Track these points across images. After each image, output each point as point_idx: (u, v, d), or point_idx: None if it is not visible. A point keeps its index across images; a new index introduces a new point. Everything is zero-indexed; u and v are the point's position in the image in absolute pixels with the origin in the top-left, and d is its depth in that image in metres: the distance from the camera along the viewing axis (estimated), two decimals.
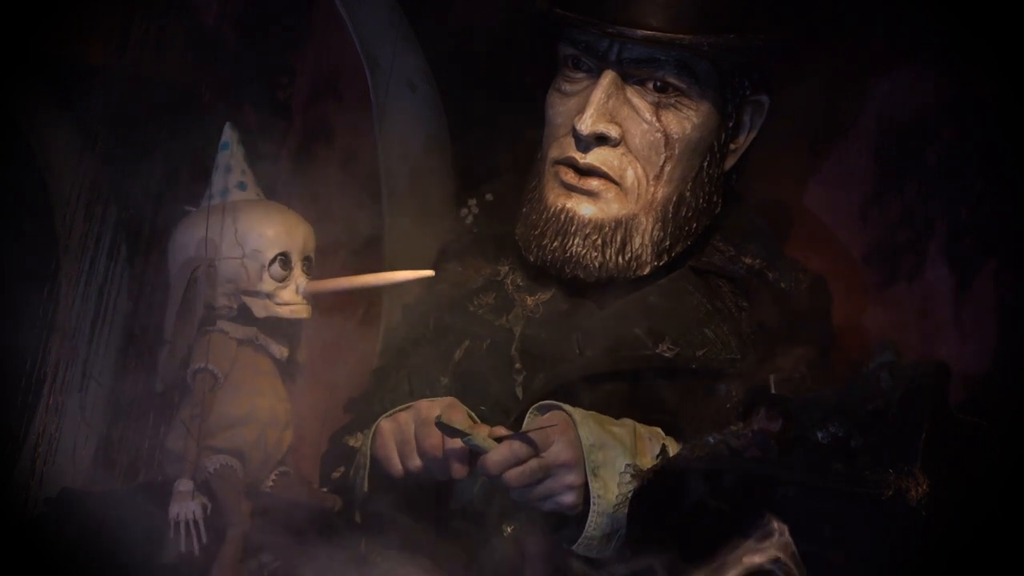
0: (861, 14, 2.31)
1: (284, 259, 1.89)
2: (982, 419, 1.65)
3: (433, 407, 1.89)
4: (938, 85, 2.26)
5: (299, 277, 1.91)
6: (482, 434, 1.84)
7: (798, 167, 2.39)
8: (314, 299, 1.94)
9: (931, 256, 2.25)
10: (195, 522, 1.74)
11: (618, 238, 2.05)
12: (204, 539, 1.74)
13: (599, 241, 2.05)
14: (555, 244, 2.06)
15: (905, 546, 1.54)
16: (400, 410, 1.95)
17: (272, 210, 1.93)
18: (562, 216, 2.06)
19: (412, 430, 1.89)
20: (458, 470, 1.88)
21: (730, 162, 2.12)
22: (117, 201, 2.32)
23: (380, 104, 2.49)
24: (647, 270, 2.07)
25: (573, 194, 2.06)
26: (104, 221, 2.31)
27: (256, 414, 1.85)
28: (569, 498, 1.84)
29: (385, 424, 1.93)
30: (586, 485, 1.84)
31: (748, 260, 2.11)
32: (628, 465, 1.81)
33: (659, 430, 1.91)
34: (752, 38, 2.03)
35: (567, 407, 1.87)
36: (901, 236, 2.29)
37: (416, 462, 1.89)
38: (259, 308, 1.87)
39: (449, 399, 1.93)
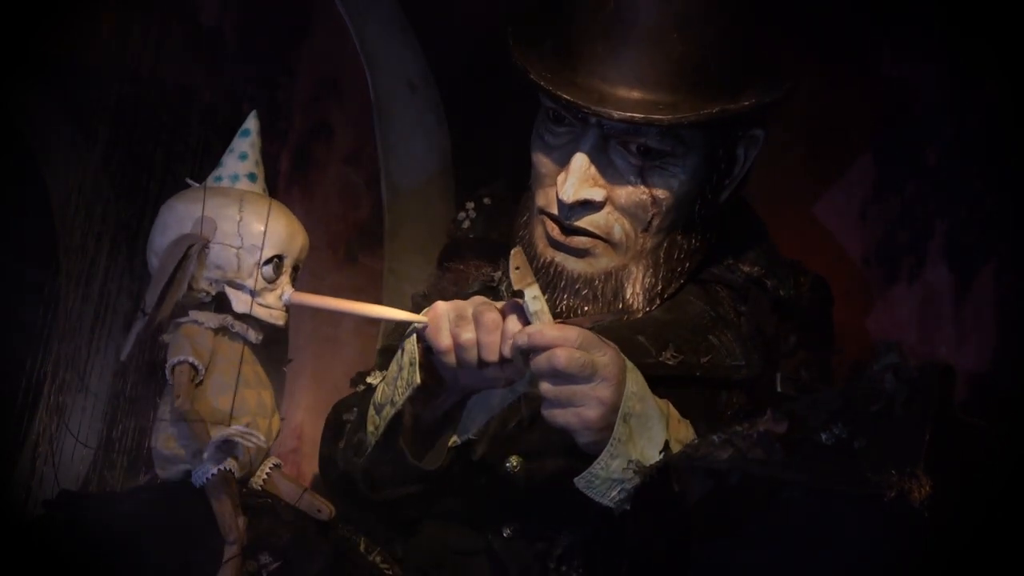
0: (861, 14, 2.32)
1: (279, 262, 1.87)
2: (983, 420, 1.65)
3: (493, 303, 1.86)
4: (938, 85, 2.26)
5: (286, 284, 1.89)
6: (544, 307, 1.81)
7: (798, 167, 2.39)
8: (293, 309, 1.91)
9: (931, 256, 2.25)
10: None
11: (609, 290, 2.02)
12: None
13: (590, 295, 2.02)
14: (545, 298, 2.04)
15: (907, 547, 1.54)
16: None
17: (279, 211, 1.89)
18: (551, 269, 2.03)
19: (470, 310, 1.84)
20: (510, 348, 1.81)
21: (724, 195, 2.07)
22: (117, 201, 2.32)
23: (380, 104, 2.49)
24: (639, 316, 2.04)
25: (560, 251, 2.02)
26: (104, 221, 2.31)
27: (245, 405, 1.83)
28: (593, 412, 1.77)
29: (441, 304, 1.87)
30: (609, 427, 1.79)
31: (746, 268, 2.09)
32: (631, 461, 1.79)
33: (690, 423, 1.88)
34: (740, 104, 1.96)
35: (622, 355, 1.83)
36: (901, 236, 2.30)
37: (470, 334, 1.82)
38: (240, 303, 1.84)
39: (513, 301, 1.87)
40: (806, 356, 2.07)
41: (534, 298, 1.82)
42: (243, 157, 1.91)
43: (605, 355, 1.78)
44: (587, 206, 1.99)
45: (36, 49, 2.28)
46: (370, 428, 1.97)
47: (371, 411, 1.97)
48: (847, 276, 2.30)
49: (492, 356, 1.83)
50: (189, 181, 1.92)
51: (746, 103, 1.97)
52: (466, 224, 2.20)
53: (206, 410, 1.80)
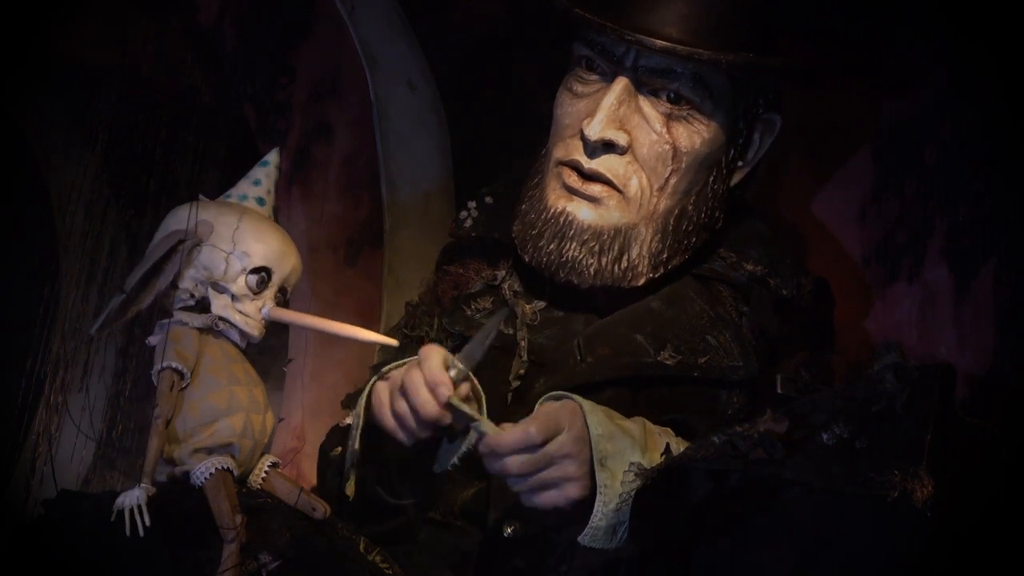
0: (861, 14, 2.31)
1: (266, 275, 1.89)
2: (983, 419, 1.65)
3: (420, 352, 1.86)
4: (938, 85, 2.26)
5: (269, 299, 1.90)
6: (488, 422, 1.82)
7: (798, 167, 2.39)
8: (271, 324, 1.92)
9: (931, 256, 2.25)
10: (138, 507, 1.72)
11: (616, 246, 2.03)
12: (148, 522, 1.72)
13: (596, 248, 2.03)
14: (551, 247, 2.04)
15: (910, 547, 1.54)
16: (393, 367, 1.92)
17: (277, 230, 1.93)
18: (561, 219, 2.04)
19: (399, 380, 1.86)
20: (435, 408, 1.81)
21: (736, 178, 2.11)
22: (117, 201, 2.33)
23: (380, 104, 2.49)
24: (642, 281, 2.05)
25: (574, 197, 2.04)
26: (104, 221, 2.32)
27: (238, 402, 1.83)
28: (573, 490, 1.80)
29: (380, 383, 1.92)
30: (591, 477, 1.80)
31: (750, 266, 2.10)
32: (632, 464, 1.80)
33: (670, 430, 1.90)
34: (771, 59, 2.03)
35: (578, 397, 1.85)
36: (901, 236, 2.29)
37: (401, 404, 1.85)
38: (219, 305, 1.86)
39: (430, 346, 1.88)
40: (806, 357, 2.07)
41: (480, 426, 1.82)
42: (256, 183, 1.96)
43: (559, 434, 1.79)
44: (609, 149, 2.01)
45: (37, 50, 2.29)
46: (346, 466, 2.00)
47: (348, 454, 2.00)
48: (847, 276, 2.29)
49: (425, 415, 1.83)
50: (201, 198, 1.93)
51: (778, 59, 2.03)
52: (468, 223, 2.20)
53: (198, 412, 1.81)
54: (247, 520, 1.77)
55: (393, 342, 1.94)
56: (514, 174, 2.18)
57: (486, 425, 1.81)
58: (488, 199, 2.21)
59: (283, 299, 1.93)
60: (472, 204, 2.21)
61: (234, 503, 1.77)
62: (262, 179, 1.96)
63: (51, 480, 2.09)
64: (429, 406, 1.81)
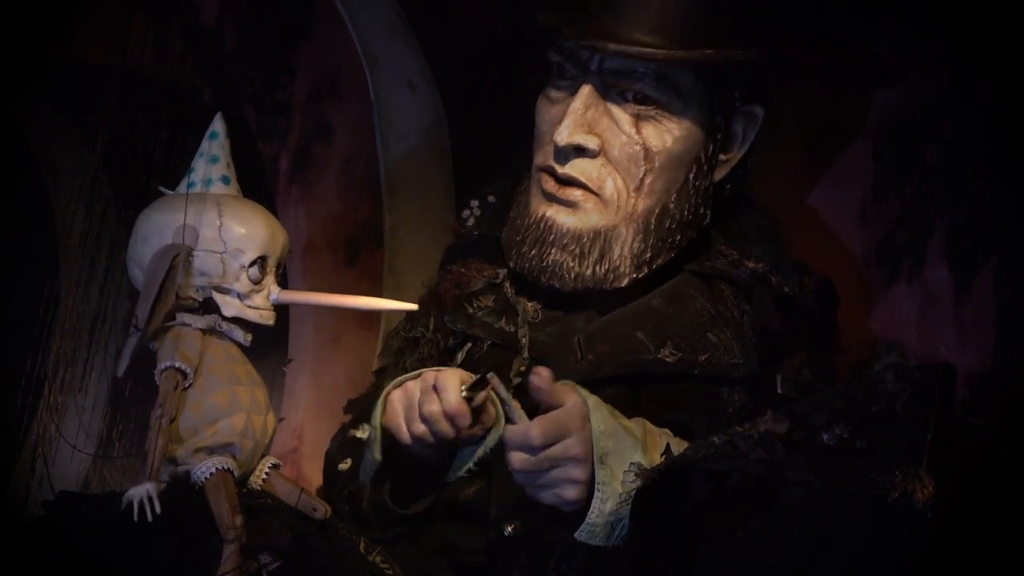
0: (861, 13, 2.32)
1: (263, 263, 1.88)
2: (983, 419, 1.65)
3: (438, 375, 1.90)
4: (938, 85, 2.26)
5: (272, 284, 1.90)
6: (518, 407, 1.84)
7: (798, 167, 2.39)
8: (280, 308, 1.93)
9: (931, 256, 2.25)
10: (148, 498, 1.72)
11: (596, 249, 2.04)
12: (158, 510, 1.72)
13: (577, 251, 2.04)
14: (533, 252, 2.05)
15: (910, 548, 1.54)
16: (408, 378, 1.95)
17: (257, 211, 1.91)
18: (542, 224, 2.05)
19: (417, 396, 1.90)
20: (458, 428, 1.89)
21: (721, 173, 2.10)
22: (117, 201, 2.33)
23: (380, 104, 2.50)
24: (625, 282, 2.05)
25: (553, 203, 2.05)
26: (104, 221, 2.32)
27: (239, 402, 1.83)
28: (571, 492, 1.81)
29: (395, 393, 1.94)
30: (591, 477, 1.81)
31: (751, 264, 2.10)
32: (632, 464, 1.80)
33: (668, 431, 1.90)
34: (733, 53, 2.02)
35: (583, 391, 1.86)
36: (901, 236, 2.29)
37: (420, 427, 1.89)
38: (229, 307, 1.86)
39: (453, 368, 1.94)
40: (808, 356, 2.07)
41: (511, 409, 1.85)
42: (214, 160, 1.92)
43: (567, 436, 1.80)
44: (581, 153, 2.02)
45: (37, 49, 2.29)
46: (361, 477, 2.01)
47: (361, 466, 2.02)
48: (847, 276, 2.29)
49: (445, 437, 1.90)
50: (162, 189, 1.92)
51: (740, 51, 2.02)
52: (471, 222, 2.21)
53: (200, 411, 1.81)
54: (247, 520, 1.77)
55: (412, 306, 1.97)
56: (514, 174, 2.19)
57: (515, 413, 1.83)
58: (491, 198, 2.22)
59: (280, 274, 1.92)
60: (475, 203, 2.22)
61: (234, 503, 1.77)
62: (219, 154, 1.92)
63: (51, 481, 2.09)
64: (449, 433, 1.88)
